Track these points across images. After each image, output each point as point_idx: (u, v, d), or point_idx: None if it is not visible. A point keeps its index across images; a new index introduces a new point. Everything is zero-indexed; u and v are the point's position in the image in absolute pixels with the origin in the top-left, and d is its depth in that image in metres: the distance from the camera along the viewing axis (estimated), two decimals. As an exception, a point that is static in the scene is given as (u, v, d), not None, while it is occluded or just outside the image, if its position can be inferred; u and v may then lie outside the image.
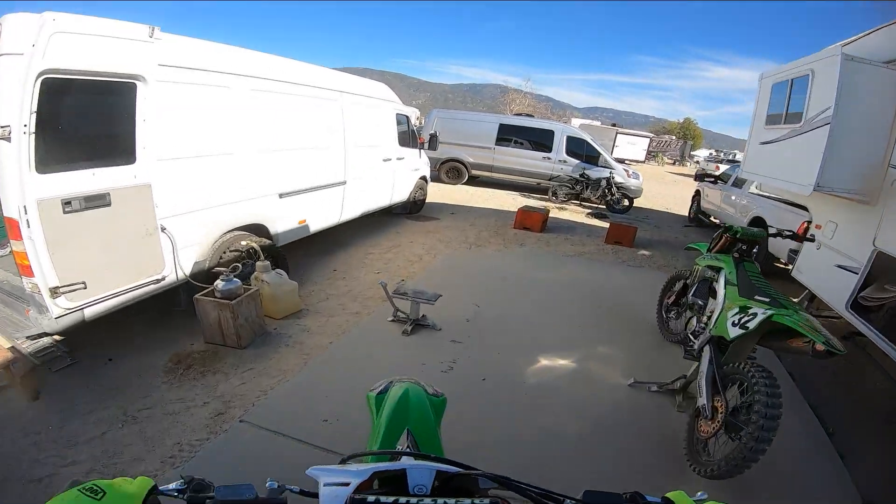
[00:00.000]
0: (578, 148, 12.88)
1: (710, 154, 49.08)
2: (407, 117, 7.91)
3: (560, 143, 12.90)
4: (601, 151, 12.83)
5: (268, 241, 4.59)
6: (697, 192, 11.34)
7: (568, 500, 0.84)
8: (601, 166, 12.46)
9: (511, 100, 45.69)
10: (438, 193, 11.73)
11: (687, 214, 12.02)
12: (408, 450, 1.25)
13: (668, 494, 0.87)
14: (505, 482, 0.84)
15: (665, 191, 19.52)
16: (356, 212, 6.47)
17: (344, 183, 5.88)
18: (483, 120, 13.91)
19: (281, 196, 4.81)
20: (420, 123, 15.06)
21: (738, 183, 8.96)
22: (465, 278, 5.60)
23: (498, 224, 8.83)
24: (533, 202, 11.98)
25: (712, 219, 10.28)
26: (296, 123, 4.93)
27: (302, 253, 6.00)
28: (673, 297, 4.20)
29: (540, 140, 13.18)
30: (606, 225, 9.85)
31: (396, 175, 7.46)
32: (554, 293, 5.36)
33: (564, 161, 12.81)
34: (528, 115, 15.79)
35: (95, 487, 0.70)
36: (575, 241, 8.18)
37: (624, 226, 8.22)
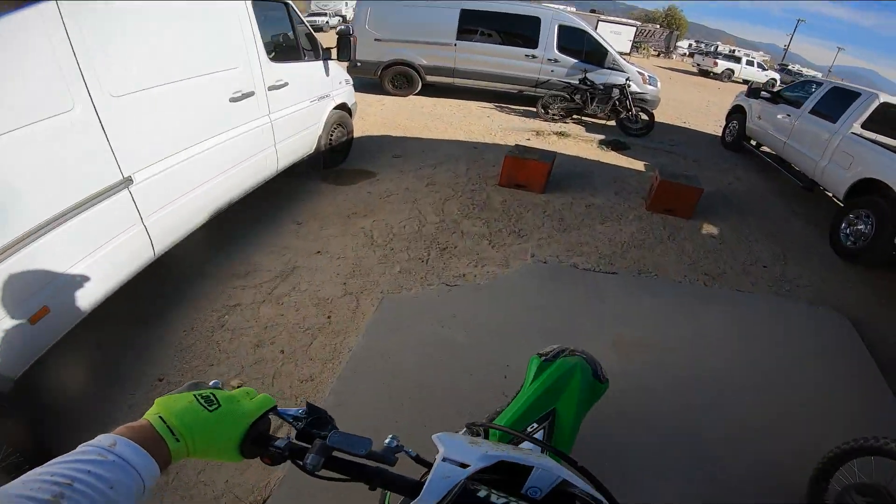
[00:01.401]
0: (575, 42, 9.17)
1: (691, 45, 46.14)
2: (286, 4, 4.15)
3: (549, 36, 9.13)
4: (609, 47, 9.15)
5: None
6: (738, 109, 8.31)
7: None
8: (609, 68, 8.92)
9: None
10: (379, 114, 8.07)
11: (721, 135, 8.99)
12: (542, 438, 1.27)
13: None
14: None
15: (671, 94, 15.84)
16: (187, 225, 3.06)
17: (127, 182, 2.46)
18: (438, 6, 9.56)
19: None
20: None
21: (824, 112, 5.99)
22: (420, 396, 2.51)
23: (472, 176, 5.47)
24: (516, 121, 8.51)
25: (763, 148, 7.44)
26: None
27: (103, 315, 2.54)
28: None
29: (520, 31, 9.31)
30: (632, 163, 6.71)
31: (279, 118, 3.90)
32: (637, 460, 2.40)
33: (556, 60, 9.17)
34: (500, -5, 11.34)
35: (212, 397, 0.68)
36: (601, 207, 5.00)
37: (681, 185, 4.98)
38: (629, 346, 3.08)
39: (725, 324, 3.49)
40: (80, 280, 2.30)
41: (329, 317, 3.10)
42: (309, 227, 4.15)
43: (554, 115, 8.61)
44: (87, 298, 2.34)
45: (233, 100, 3.26)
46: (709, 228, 4.89)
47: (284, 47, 4.13)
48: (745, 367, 3.10)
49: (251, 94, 3.46)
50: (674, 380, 2.91)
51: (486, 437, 1.23)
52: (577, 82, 8.51)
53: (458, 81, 9.70)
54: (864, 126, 5.42)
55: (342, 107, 5.24)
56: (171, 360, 2.73)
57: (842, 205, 5.07)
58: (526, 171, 5.14)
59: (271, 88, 3.73)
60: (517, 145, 5.66)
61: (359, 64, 9.39)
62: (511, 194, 5.04)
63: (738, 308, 3.69)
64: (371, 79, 9.70)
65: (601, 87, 8.33)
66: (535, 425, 1.32)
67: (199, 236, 3.30)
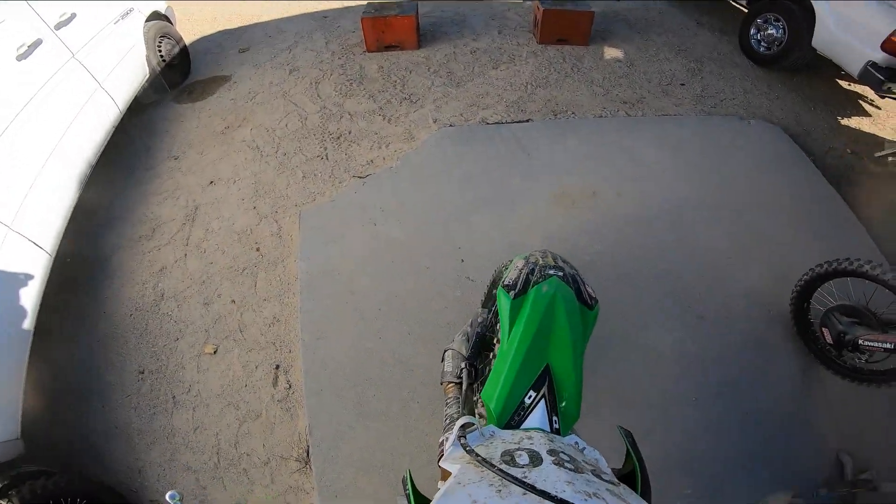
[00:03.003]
0: None
1: None
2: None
3: None
4: None
5: None
6: None
7: None
8: None
9: None
10: (203, 8, 6.78)
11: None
12: (545, 410, 1.10)
13: None
14: None
15: None
16: (62, 209, 2.76)
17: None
18: None
19: None
20: None
21: None
22: (390, 306, 2.66)
23: (336, 50, 4.99)
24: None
25: None
26: None
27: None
28: (862, 336, 2.25)
29: None
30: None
31: (87, 56, 3.23)
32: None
33: None
34: None
35: None
36: (489, 50, 4.80)
37: (568, 12, 4.70)
38: (573, 199, 3.12)
39: (663, 152, 3.48)
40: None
41: (258, 249, 2.96)
42: (188, 159, 3.72)
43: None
44: (16, 329, 2.18)
45: (21, 57, 2.63)
46: (612, 53, 4.82)
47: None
48: (698, 195, 3.17)
49: (39, 42, 2.80)
50: (632, 224, 2.98)
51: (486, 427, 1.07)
52: None
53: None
54: None
55: (156, 17, 4.41)
56: (139, 349, 2.64)
57: (746, 10, 4.81)
58: (391, 29, 4.74)
59: (59, 26, 3.02)
60: (370, 3, 5.12)
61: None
62: (385, 58, 4.70)
63: (671, 133, 3.67)
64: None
65: None
66: (533, 394, 1.12)
67: (85, 212, 3.00)
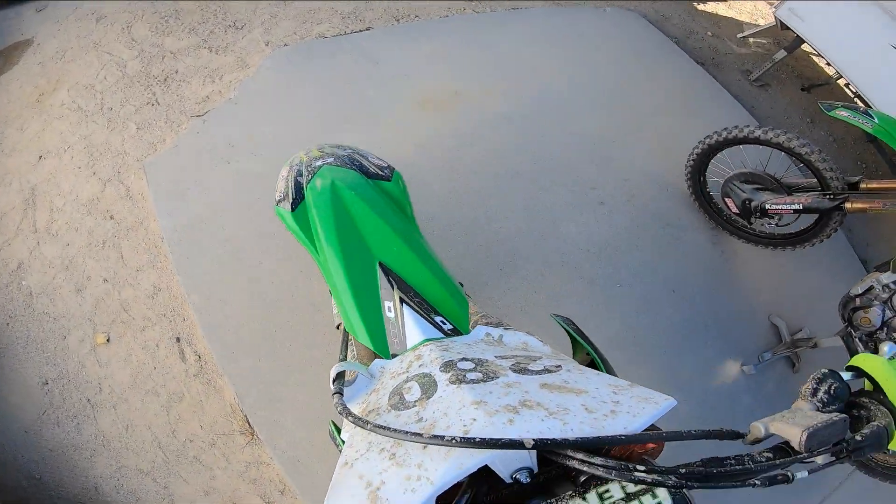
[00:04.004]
0: None
1: None
2: None
3: None
4: None
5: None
6: None
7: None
8: None
9: None
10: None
11: None
12: (420, 309, 0.83)
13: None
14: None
15: None
16: None
17: None
18: None
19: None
20: None
21: None
22: (269, 243, 2.63)
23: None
24: None
25: None
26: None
27: None
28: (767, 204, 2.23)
29: None
30: None
31: None
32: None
33: None
34: None
35: None
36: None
37: None
38: (435, 102, 3.07)
39: (524, 46, 3.40)
40: None
41: (112, 216, 2.87)
42: (8, 138, 3.40)
43: None
44: None
45: None
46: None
47: None
48: (570, 85, 3.14)
49: None
50: (510, 121, 2.95)
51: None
52: None
53: None
54: None
55: None
56: (30, 358, 2.47)
57: None
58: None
59: None
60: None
61: None
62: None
63: (526, 26, 3.59)
64: None
65: None
66: (389, 304, 0.90)
67: None
